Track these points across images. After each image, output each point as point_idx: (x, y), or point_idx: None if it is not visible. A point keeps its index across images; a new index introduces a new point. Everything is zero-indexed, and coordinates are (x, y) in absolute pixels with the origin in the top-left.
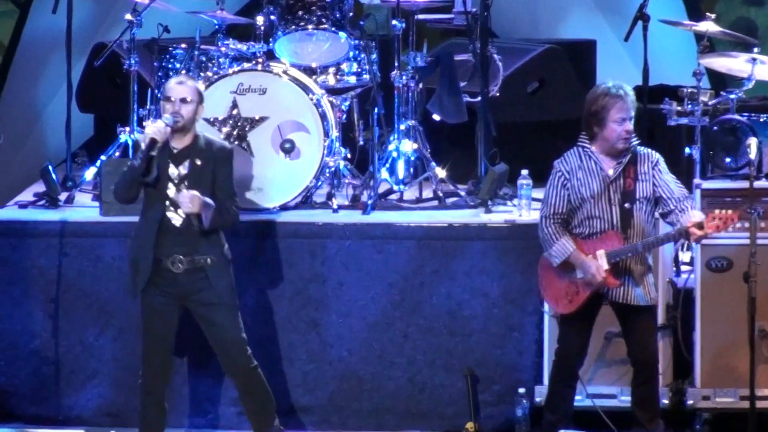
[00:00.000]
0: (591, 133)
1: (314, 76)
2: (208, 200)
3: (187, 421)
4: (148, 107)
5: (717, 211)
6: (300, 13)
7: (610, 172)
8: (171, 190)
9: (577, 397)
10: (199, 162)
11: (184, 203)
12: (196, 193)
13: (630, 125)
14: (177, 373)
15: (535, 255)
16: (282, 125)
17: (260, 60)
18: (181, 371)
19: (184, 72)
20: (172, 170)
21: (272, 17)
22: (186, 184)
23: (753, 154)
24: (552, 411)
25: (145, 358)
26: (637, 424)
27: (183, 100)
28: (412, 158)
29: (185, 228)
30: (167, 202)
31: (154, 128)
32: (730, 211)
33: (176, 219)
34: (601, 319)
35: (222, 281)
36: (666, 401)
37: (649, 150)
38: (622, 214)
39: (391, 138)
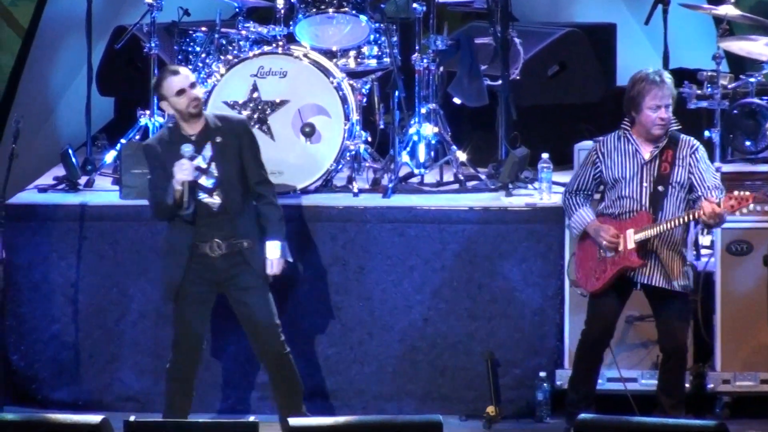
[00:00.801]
0: (630, 117)
1: (335, 60)
2: (279, 248)
3: (208, 405)
4: None
5: (735, 192)
6: None
7: (647, 155)
8: (201, 178)
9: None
10: (219, 139)
11: (276, 272)
12: (277, 258)
13: (665, 112)
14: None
15: (556, 238)
16: (302, 109)
17: (281, 43)
18: (203, 355)
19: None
20: (197, 159)
21: (293, 0)
22: (213, 165)
23: None
24: (575, 391)
25: (176, 344)
26: (659, 408)
27: (192, 85)
28: (433, 142)
29: (222, 211)
30: (200, 191)
31: (183, 169)
32: (747, 193)
33: (213, 203)
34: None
35: (258, 264)
36: (686, 385)
37: (691, 138)
38: (653, 195)
39: (412, 121)
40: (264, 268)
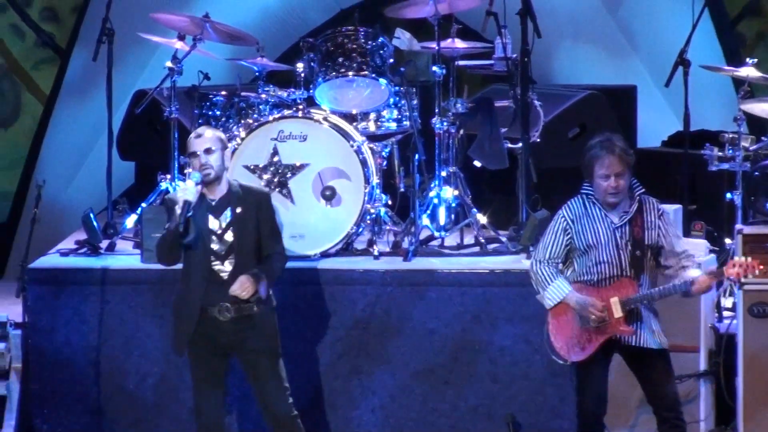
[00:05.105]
0: (590, 182)
1: (355, 123)
2: (257, 273)
3: None
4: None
5: (736, 258)
6: (340, 59)
7: (616, 219)
8: (215, 243)
9: None
10: (239, 210)
11: (239, 293)
12: (243, 278)
13: (615, 181)
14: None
15: None
16: (323, 172)
17: (301, 107)
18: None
19: (210, 124)
20: (213, 222)
21: (312, 64)
22: (230, 232)
23: None
24: None
25: (198, 408)
26: None
27: (207, 151)
28: (453, 204)
29: (231, 279)
30: (212, 257)
31: (185, 189)
32: (750, 259)
33: (223, 272)
34: None
35: (267, 329)
36: None
37: (653, 199)
38: (633, 260)
39: (432, 184)
40: (271, 338)
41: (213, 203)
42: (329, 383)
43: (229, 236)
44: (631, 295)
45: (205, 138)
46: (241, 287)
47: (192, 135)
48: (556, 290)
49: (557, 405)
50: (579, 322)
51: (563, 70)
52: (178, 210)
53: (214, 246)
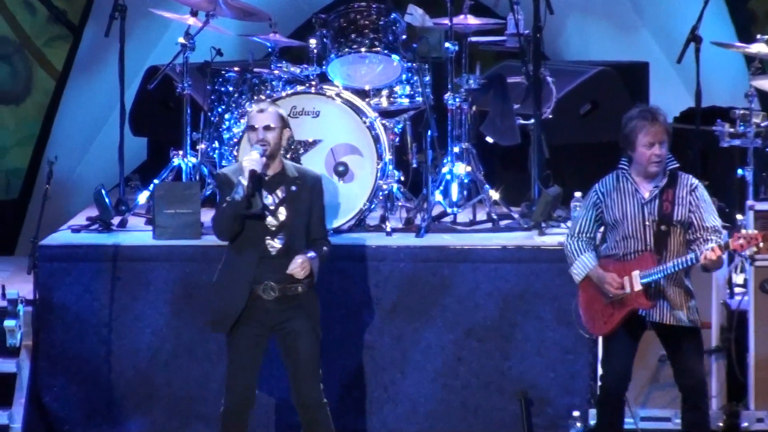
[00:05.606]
0: (627, 156)
1: (367, 99)
2: (311, 255)
3: None
4: (201, 131)
5: (743, 231)
6: (353, 35)
7: (647, 195)
8: (267, 218)
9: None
10: (294, 188)
11: (298, 273)
12: (301, 259)
13: (659, 149)
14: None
15: None
16: (335, 148)
17: (313, 83)
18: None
19: (264, 97)
20: (266, 198)
21: (325, 40)
22: (283, 208)
23: None
24: None
25: (230, 387)
26: None
27: (267, 128)
28: (466, 181)
29: (279, 256)
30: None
31: (251, 160)
32: (755, 231)
33: (273, 247)
34: (655, 342)
35: (311, 310)
36: (720, 423)
37: (690, 176)
38: (657, 235)
39: (445, 160)
40: (314, 321)
41: (266, 178)
42: (340, 359)
43: (281, 212)
44: (651, 268)
45: (267, 114)
46: (300, 267)
47: (254, 108)
48: (581, 265)
49: (569, 381)
50: (603, 296)
51: (575, 47)
52: (244, 181)
53: (267, 220)
